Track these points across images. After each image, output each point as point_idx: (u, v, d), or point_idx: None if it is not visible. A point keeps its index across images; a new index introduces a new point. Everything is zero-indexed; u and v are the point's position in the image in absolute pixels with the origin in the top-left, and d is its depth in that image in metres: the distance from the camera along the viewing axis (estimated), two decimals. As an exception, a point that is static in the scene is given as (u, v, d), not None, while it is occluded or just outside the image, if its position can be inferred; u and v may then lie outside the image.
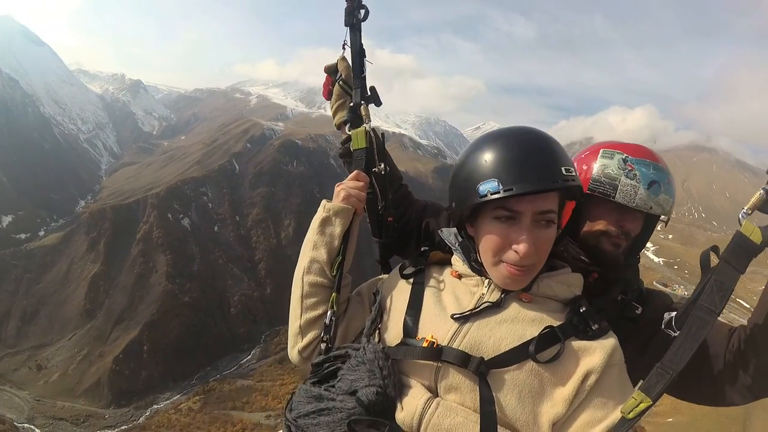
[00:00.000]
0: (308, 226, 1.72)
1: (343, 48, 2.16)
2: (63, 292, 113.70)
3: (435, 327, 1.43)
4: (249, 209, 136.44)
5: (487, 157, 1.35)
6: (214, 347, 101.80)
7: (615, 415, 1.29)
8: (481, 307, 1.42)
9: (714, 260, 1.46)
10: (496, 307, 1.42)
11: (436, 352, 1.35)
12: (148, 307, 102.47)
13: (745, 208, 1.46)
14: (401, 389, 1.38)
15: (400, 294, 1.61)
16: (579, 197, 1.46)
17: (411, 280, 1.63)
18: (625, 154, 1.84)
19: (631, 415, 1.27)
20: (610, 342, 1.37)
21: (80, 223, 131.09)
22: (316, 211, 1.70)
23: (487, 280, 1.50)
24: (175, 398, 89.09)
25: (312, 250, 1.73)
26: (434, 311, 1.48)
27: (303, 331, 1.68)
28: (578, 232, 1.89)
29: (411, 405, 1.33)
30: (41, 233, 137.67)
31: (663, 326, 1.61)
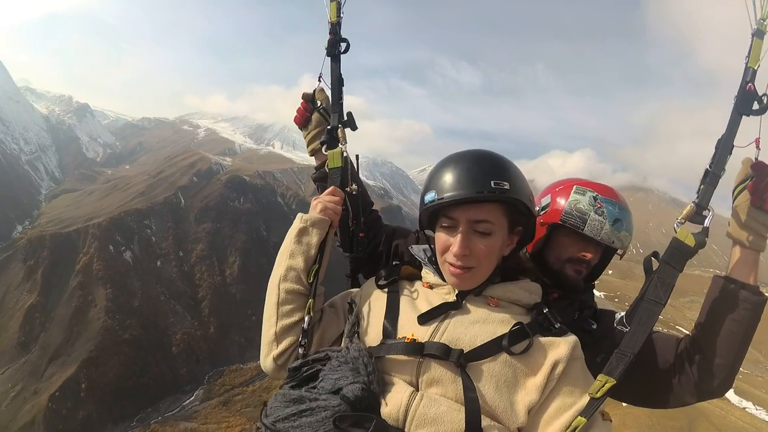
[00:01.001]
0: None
1: (319, 80, 2.34)
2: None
3: (413, 329, 1.56)
4: (193, 245, 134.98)
5: (434, 174, 1.63)
6: (156, 388, 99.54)
7: (584, 400, 1.46)
8: (441, 304, 1.61)
9: (656, 265, 1.67)
10: (456, 308, 1.60)
11: (418, 347, 1.47)
12: (86, 343, 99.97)
13: (679, 218, 1.68)
14: (384, 386, 1.46)
15: (376, 301, 1.73)
16: (525, 213, 1.63)
17: (386, 290, 1.76)
18: (596, 193, 2.10)
19: (598, 395, 1.45)
20: (572, 338, 1.55)
21: (17, 250, 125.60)
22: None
23: None
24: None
25: (289, 258, 1.81)
26: (411, 315, 1.61)
27: (279, 337, 1.72)
28: (545, 256, 2.17)
29: (395, 399, 1.41)
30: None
31: (615, 324, 1.77)
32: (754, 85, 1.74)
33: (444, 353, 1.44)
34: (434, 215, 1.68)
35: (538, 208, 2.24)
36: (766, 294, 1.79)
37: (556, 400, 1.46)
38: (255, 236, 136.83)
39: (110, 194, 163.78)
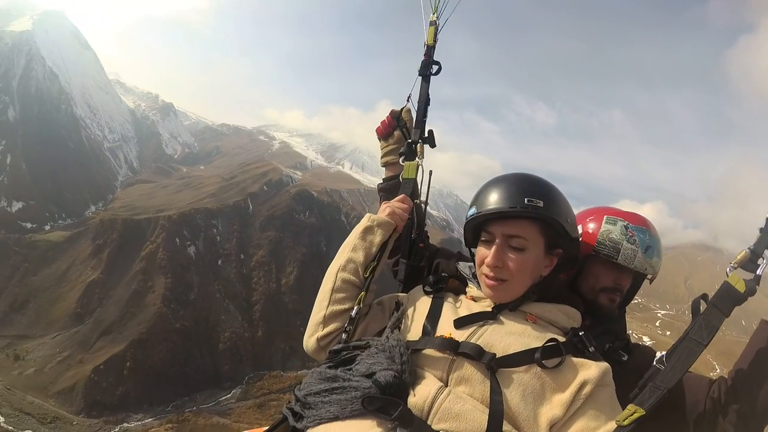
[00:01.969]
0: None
1: (408, 100, 2.50)
2: (57, 290, 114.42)
3: (451, 330, 1.62)
4: (255, 250, 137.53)
5: (478, 192, 1.74)
6: (196, 379, 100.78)
7: (609, 426, 1.42)
8: (478, 312, 1.67)
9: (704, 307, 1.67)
10: (493, 317, 1.65)
11: (454, 344, 1.51)
12: (138, 325, 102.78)
13: (732, 263, 1.67)
14: (415, 378, 1.51)
15: (421, 304, 1.82)
16: (563, 235, 1.69)
17: (432, 296, 1.85)
18: (627, 222, 2.13)
19: (626, 423, 1.40)
20: (604, 364, 1.53)
21: (88, 228, 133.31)
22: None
23: None
24: (146, 421, 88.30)
25: (351, 251, 1.92)
26: (451, 319, 1.67)
27: (326, 321, 1.81)
28: (579, 287, 2.21)
29: (424, 391, 1.45)
30: (47, 227, 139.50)
31: (654, 363, 1.77)
32: None
33: (477, 354, 1.47)
34: (476, 231, 1.79)
35: None
36: None
37: (580, 420, 1.43)
38: (315, 250, 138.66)
39: (183, 190, 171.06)
